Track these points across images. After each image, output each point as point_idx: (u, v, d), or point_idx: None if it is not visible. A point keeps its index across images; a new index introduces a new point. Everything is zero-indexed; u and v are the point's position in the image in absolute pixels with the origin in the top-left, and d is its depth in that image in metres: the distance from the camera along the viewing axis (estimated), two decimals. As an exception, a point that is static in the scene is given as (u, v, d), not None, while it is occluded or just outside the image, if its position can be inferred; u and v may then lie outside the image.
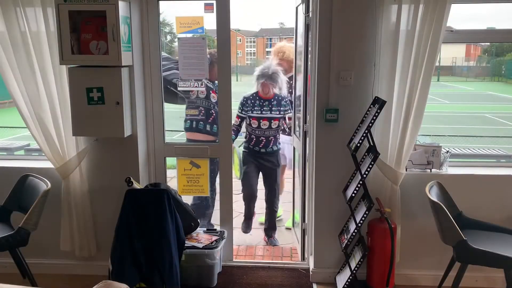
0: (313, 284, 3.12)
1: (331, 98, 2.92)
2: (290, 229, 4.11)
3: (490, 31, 3.27)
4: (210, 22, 3.07)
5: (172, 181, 3.66)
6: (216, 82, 3.38)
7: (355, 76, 2.88)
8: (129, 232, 2.66)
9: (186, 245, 2.91)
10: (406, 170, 2.92)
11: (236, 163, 3.91)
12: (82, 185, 3.08)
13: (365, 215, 2.63)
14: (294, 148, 3.88)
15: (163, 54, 3.39)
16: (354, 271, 2.74)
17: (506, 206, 2.99)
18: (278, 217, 4.24)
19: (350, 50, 2.86)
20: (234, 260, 3.41)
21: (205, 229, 3.29)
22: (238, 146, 4.03)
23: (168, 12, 3.22)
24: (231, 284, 3.09)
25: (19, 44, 2.87)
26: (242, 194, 4.01)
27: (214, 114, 3.57)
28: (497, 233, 2.72)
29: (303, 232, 3.35)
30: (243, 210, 4.02)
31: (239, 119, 3.88)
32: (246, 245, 3.79)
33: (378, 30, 2.77)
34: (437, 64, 2.75)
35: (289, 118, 3.88)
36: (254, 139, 3.84)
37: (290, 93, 3.93)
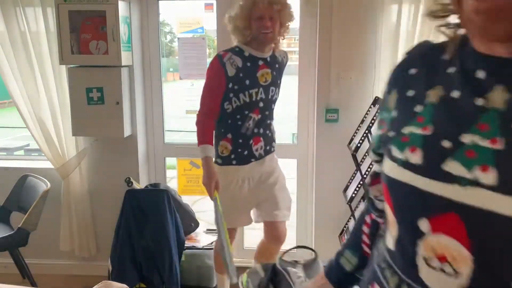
0: (313, 284, 3.11)
1: (331, 98, 2.92)
2: None
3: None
4: (210, 22, 3.07)
5: (172, 181, 3.66)
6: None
7: (355, 76, 2.88)
8: (129, 232, 2.66)
9: (186, 245, 2.91)
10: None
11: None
12: (82, 185, 3.08)
13: (365, 215, 2.62)
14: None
15: None
16: (354, 271, 2.74)
17: (506, 206, 2.98)
18: None
19: (350, 50, 2.86)
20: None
21: (205, 229, 3.29)
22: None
23: (168, 12, 3.21)
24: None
25: (19, 44, 2.86)
26: None
27: None
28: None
29: (303, 232, 3.35)
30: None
31: None
32: (246, 245, 3.79)
33: (378, 30, 2.77)
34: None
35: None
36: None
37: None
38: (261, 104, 2.32)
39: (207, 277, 3.02)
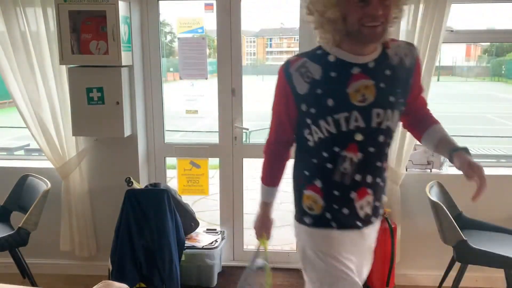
0: (313, 284, 3.11)
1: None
2: None
3: (490, 31, 3.26)
4: (210, 22, 3.07)
5: (172, 181, 3.66)
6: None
7: (355, 76, 2.87)
8: (129, 232, 2.66)
9: (186, 245, 2.91)
10: (406, 170, 2.92)
11: None
12: (82, 185, 3.08)
13: (365, 215, 2.63)
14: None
15: None
16: (354, 271, 2.74)
17: (506, 206, 2.98)
18: None
19: (350, 50, 2.85)
20: (234, 260, 3.41)
21: (205, 229, 3.29)
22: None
23: (168, 12, 3.22)
24: (231, 284, 3.08)
25: (19, 44, 2.86)
26: None
27: None
28: (497, 233, 2.71)
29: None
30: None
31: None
32: (246, 245, 3.79)
33: (378, 30, 2.77)
34: (437, 64, 2.76)
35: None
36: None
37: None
38: (358, 138, 1.47)
39: (207, 277, 3.02)
